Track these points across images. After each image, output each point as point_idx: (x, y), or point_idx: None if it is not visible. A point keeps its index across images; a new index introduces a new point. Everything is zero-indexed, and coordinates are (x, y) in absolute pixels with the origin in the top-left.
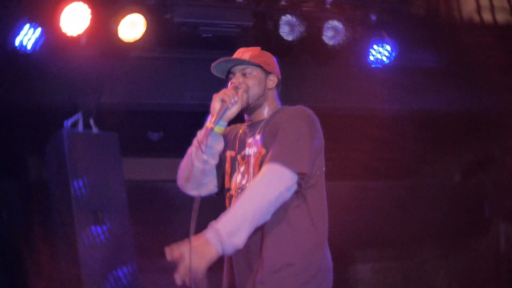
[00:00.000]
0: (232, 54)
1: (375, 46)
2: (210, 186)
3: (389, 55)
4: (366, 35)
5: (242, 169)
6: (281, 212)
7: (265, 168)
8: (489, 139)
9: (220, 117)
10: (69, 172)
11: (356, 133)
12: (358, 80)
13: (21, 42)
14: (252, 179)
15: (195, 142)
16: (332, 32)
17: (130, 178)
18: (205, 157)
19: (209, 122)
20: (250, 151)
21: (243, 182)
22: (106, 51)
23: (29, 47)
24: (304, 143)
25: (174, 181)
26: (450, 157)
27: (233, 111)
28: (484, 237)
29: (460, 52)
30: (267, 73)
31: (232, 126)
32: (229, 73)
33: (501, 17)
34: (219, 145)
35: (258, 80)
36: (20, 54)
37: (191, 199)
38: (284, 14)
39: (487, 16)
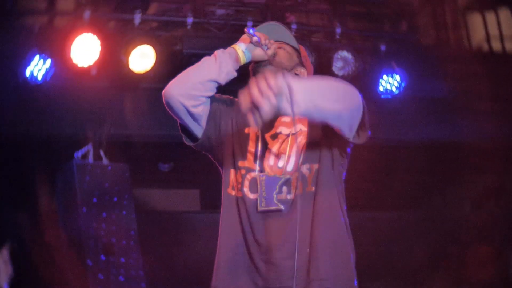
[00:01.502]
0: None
1: (384, 77)
2: (202, 99)
3: (398, 86)
4: (375, 66)
5: (274, 149)
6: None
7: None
8: (500, 169)
9: (255, 40)
10: (79, 204)
11: (365, 163)
12: (368, 111)
13: (32, 73)
14: (297, 159)
15: (212, 57)
16: (342, 62)
17: (140, 209)
18: (222, 77)
19: (239, 48)
20: (291, 130)
21: (280, 164)
22: (116, 82)
23: (39, 78)
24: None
25: (185, 212)
26: (460, 187)
27: (262, 53)
28: (494, 265)
29: (469, 81)
30: (301, 63)
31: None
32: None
33: (510, 46)
34: (232, 73)
35: (289, 56)
36: (31, 85)
37: (201, 231)
38: None
39: (496, 45)
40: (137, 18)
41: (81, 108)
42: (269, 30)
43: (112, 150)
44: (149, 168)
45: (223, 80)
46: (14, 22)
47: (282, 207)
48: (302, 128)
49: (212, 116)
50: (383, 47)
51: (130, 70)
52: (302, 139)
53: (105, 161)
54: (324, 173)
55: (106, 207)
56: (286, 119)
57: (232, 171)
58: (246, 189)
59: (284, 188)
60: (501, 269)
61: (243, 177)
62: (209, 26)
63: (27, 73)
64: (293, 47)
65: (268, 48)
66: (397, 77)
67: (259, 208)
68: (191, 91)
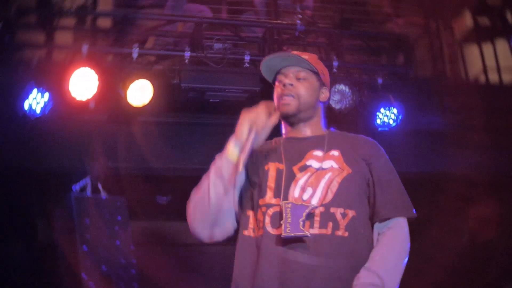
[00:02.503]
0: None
1: (382, 110)
2: (228, 226)
3: (395, 118)
4: (372, 99)
5: (301, 182)
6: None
7: (400, 227)
8: (498, 200)
9: (250, 147)
10: (77, 237)
11: None
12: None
13: (30, 106)
14: (324, 195)
15: (213, 175)
16: (339, 96)
17: (138, 241)
18: (232, 195)
19: (233, 150)
20: (321, 164)
21: (305, 196)
22: (114, 115)
23: (38, 111)
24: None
25: (183, 244)
26: (457, 219)
27: (262, 138)
28: None
29: (466, 114)
30: (322, 84)
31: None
32: (277, 75)
33: (507, 78)
34: (241, 177)
35: (312, 88)
36: (29, 118)
37: (200, 263)
38: None
39: (493, 77)
40: (135, 52)
41: (79, 141)
42: (275, 63)
43: (110, 183)
44: (147, 201)
45: (232, 195)
46: (12, 56)
47: (308, 233)
48: (334, 165)
49: None
50: (380, 80)
51: (128, 103)
52: (331, 176)
53: (103, 194)
54: (360, 222)
55: (104, 240)
56: (317, 153)
57: (251, 213)
58: (268, 226)
59: (311, 219)
60: None
61: (264, 214)
62: (206, 60)
63: (26, 106)
64: (310, 70)
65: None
66: (394, 110)
67: (283, 234)
68: (208, 219)
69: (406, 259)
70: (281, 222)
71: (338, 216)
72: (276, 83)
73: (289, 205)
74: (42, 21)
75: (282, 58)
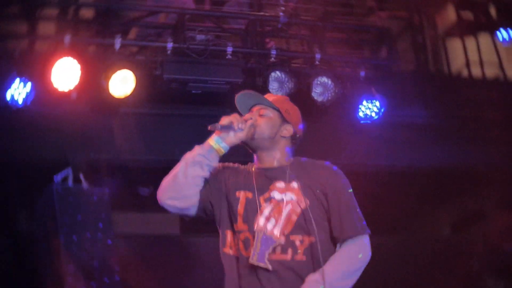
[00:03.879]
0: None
1: (364, 102)
2: (192, 200)
3: (378, 111)
4: (355, 91)
5: (266, 212)
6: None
7: (357, 243)
8: (479, 194)
9: (225, 128)
10: (58, 227)
11: None
12: (347, 136)
13: (12, 96)
14: (285, 225)
15: (190, 155)
16: (321, 88)
17: (119, 232)
18: (208, 171)
19: (213, 140)
20: (282, 196)
21: (269, 226)
22: (96, 106)
23: (20, 101)
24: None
25: (164, 236)
26: (439, 212)
27: (237, 137)
28: None
29: (449, 107)
30: (284, 121)
31: (237, 164)
32: (246, 94)
33: (490, 72)
34: (215, 164)
35: (271, 122)
36: (12, 108)
37: (181, 255)
38: (274, 70)
39: (476, 71)
40: (118, 43)
41: (61, 132)
42: (244, 100)
43: (92, 174)
44: (128, 192)
45: (207, 173)
46: None
47: (269, 267)
48: (293, 197)
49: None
50: (362, 73)
51: (110, 94)
52: (291, 208)
53: (84, 185)
54: (320, 246)
55: (85, 231)
56: (280, 184)
57: (228, 232)
58: (241, 248)
59: (276, 250)
60: None
61: (237, 238)
62: (189, 51)
63: (8, 97)
64: (272, 108)
65: (241, 129)
66: (377, 103)
67: (250, 261)
68: (176, 192)
69: (359, 267)
70: (251, 248)
71: (297, 243)
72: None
73: (261, 235)
74: (24, 11)
75: (248, 96)
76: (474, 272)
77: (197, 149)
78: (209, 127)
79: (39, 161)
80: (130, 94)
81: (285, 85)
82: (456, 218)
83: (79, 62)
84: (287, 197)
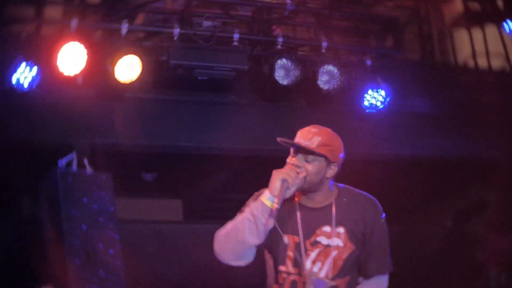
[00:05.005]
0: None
1: (369, 91)
2: (250, 258)
3: (383, 100)
4: (361, 80)
5: (313, 255)
6: None
7: (379, 283)
8: (482, 184)
9: (282, 198)
10: (62, 212)
11: (347, 177)
12: (352, 125)
13: (18, 80)
14: (331, 269)
15: (248, 215)
16: (327, 76)
17: (123, 218)
18: (263, 237)
19: (268, 200)
20: (329, 241)
21: (315, 269)
22: (102, 91)
23: (25, 85)
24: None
25: (167, 221)
26: (442, 202)
27: (290, 192)
28: (475, 282)
29: (454, 98)
30: (329, 163)
31: None
32: (293, 146)
33: (496, 63)
34: (271, 224)
35: (318, 169)
36: (17, 92)
37: (183, 241)
38: (280, 58)
39: (482, 62)
40: (124, 28)
41: (66, 116)
42: (308, 140)
43: (96, 158)
44: (132, 178)
45: (263, 239)
46: (1, 30)
47: None
48: (339, 243)
49: None
50: (368, 62)
51: (116, 79)
52: (337, 254)
53: (88, 169)
54: (353, 283)
55: (88, 215)
56: (326, 228)
57: (275, 273)
58: None
59: None
60: (482, 285)
61: (284, 280)
62: (195, 38)
63: (13, 80)
64: (315, 153)
65: (296, 184)
66: (382, 92)
67: None
68: (237, 255)
69: None
70: None
71: (341, 286)
72: (290, 155)
73: (313, 279)
74: None
75: (308, 139)
76: (477, 263)
77: (253, 208)
78: (273, 211)
79: (43, 145)
80: (136, 80)
81: (291, 73)
82: (460, 209)
83: (86, 47)
84: (333, 242)
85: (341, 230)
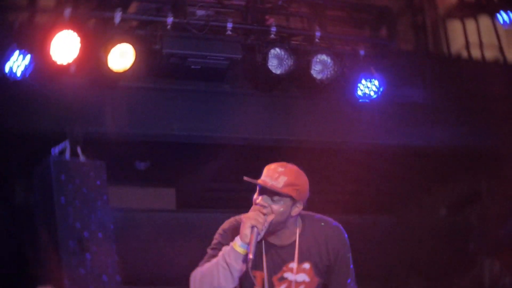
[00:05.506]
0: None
1: (363, 81)
2: None
3: (376, 90)
4: (354, 70)
5: None
6: None
7: None
8: (475, 174)
9: (255, 244)
10: (55, 200)
11: (341, 166)
12: (345, 114)
13: (11, 68)
14: None
15: (222, 263)
16: (321, 66)
17: (116, 206)
18: (237, 281)
19: (240, 247)
20: (296, 277)
21: None
22: (95, 80)
23: (18, 74)
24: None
25: (160, 210)
26: (436, 191)
27: (260, 237)
28: (469, 271)
29: (447, 88)
30: (295, 202)
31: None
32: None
33: (489, 54)
34: (244, 268)
35: (284, 209)
36: (10, 80)
37: (176, 229)
38: (273, 47)
39: (475, 53)
40: (118, 16)
41: (59, 104)
42: (275, 180)
43: (89, 147)
44: (125, 166)
45: (237, 281)
46: None
47: None
48: (306, 279)
49: None
50: (362, 52)
51: (109, 68)
52: None
53: (81, 158)
54: None
55: (81, 204)
56: (292, 265)
57: None
58: None
59: None
60: (475, 274)
61: None
62: (189, 27)
63: (6, 69)
64: (281, 194)
65: (265, 228)
66: (376, 82)
67: None
68: None
69: None
70: None
71: None
72: (256, 193)
73: None
74: None
75: (275, 179)
76: (470, 252)
77: (226, 256)
78: (248, 259)
79: (36, 133)
80: (129, 68)
81: (285, 62)
82: (454, 198)
83: (79, 35)
84: (300, 278)
85: (306, 265)
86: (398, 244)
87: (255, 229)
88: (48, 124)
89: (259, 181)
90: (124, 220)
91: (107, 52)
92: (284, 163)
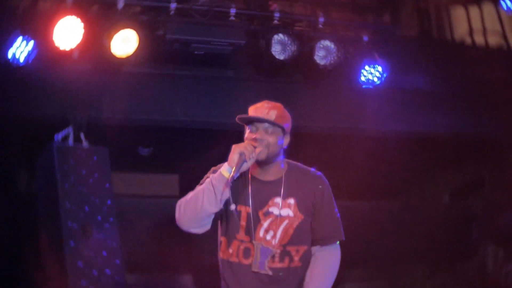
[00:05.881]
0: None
1: (366, 67)
2: (208, 226)
3: (380, 76)
4: (357, 56)
5: (265, 225)
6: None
7: (333, 251)
8: (478, 161)
9: (238, 169)
10: (58, 186)
11: (344, 153)
12: (349, 100)
13: (14, 54)
14: (283, 238)
15: (208, 185)
16: (324, 52)
17: (119, 192)
18: (220, 205)
19: (226, 171)
20: (281, 212)
21: (268, 237)
22: (98, 65)
23: (21, 59)
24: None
25: (163, 196)
26: (439, 178)
27: (247, 165)
28: (472, 258)
29: (450, 74)
30: (285, 132)
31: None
32: (250, 122)
33: (493, 40)
34: (228, 194)
35: (277, 140)
36: (13, 66)
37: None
38: (277, 33)
39: (479, 39)
40: (121, 2)
41: (62, 90)
42: (263, 113)
43: (93, 133)
44: (128, 152)
45: (220, 206)
46: None
47: (270, 272)
48: (290, 213)
49: None
50: (365, 38)
51: (112, 54)
52: (288, 223)
53: (85, 144)
54: (309, 252)
55: (84, 190)
56: (277, 200)
57: (228, 241)
58: (241, 258)
59: (274, 259)
60: (478, 261)
61: (237, 247)
62: (192, 12)
63: (9, 55)
64: (275, 125)
65: (252, 158)
66: (379, 68)
67: (253, 269)
68: (198, 223)
69: (335, 275)
70: (251, 258)
71: (293, 253)
72: (248, 130)
73: (259, 247)
74: None
75: (263, 111)
76: (474, 239)
77: (212, 179)
78: (228, 180)
79: (40, 119)
80: (132, 54)
81: (288, 48)
82: (457, 185)
83: (82, 21)
84: (284, 212)
85: (291, 201)
86: (401, 230)
87: (243, 156)
88: (51, 110)
89: (256, 115)
90: (127, 206)
91: (110, 37)
92: (267, 101)
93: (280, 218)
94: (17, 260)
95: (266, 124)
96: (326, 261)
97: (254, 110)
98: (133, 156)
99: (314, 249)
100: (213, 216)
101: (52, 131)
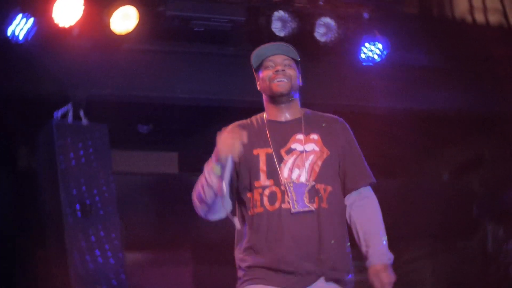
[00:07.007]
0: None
1: (366, 44)
2: (228, 207)
3: (380, 53)
4: (358, 33)
5: (289, 163)
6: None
7: (370, 195)
8: (479, 139)
9: (230, 165)
10: (57, 163)
11: None
12: (349, 78)
13: (13, 32)
14: (310, 174)
15: (205, 182)
16: (324, 29)
17: (118, 170)
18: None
19: (217, 168)
20: (304, 147)
21: (294, 176)
22: (97, 43)
23: (21, 37)
24: None
25: (163, 174)
26: (439, 156)
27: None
28: (472, 237)
29: (451, 52)
30: (298, 66)
31: (241, 122)
32: (261, 62)
33: (493, 18)
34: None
35: (296, 72)
36: (12, 44)
37: (179, 193)
38: (277, 9)
39: (479, 17)
40: None
41: (62, 68)
42: (272, 48)
43: (92, 110)
44: (128, 130)
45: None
46: None
47: (313, 208)
48: (315, 148)
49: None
50: (366, 15)
51: (112, 31)
52: (313, 158)
53: (84, 121)
54: (335, 195)
55: (84, 167)
56: (299, 136)
57: (249, 193)
58: (267, 205)
59: (310, 194)
60: (479, 239)
61: (261, 195)
62: None
63: (9, 32)
64: (292, 58)
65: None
66: (379, 45)
67: (294, 210)
68: (213, 211)
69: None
70: (288, 200)
71: (322, 192)
72: (263, 68)
73: (291, 185)
74: None
75: (275, 46)
76: (474, 217)
77: (206, 176)
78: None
79: (39, 97)
80: (132, 31)
81: (288, 25)
82: (457, 162)
83: None
84: (308, 147)
85: (315, 136)
86: (400, 209)
87: (229, 148)
88: (51, 88)
89: (272, 51)
90: (126, 184)
91: (110, 14)
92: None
93: (305, 153)
94: (18, 234)
95: (283, 57)
96: (371, 202)
97: (263, 49)
98: (133, 134)
99: (351, 197)
100: (227, 198)
101: (51, 108)
